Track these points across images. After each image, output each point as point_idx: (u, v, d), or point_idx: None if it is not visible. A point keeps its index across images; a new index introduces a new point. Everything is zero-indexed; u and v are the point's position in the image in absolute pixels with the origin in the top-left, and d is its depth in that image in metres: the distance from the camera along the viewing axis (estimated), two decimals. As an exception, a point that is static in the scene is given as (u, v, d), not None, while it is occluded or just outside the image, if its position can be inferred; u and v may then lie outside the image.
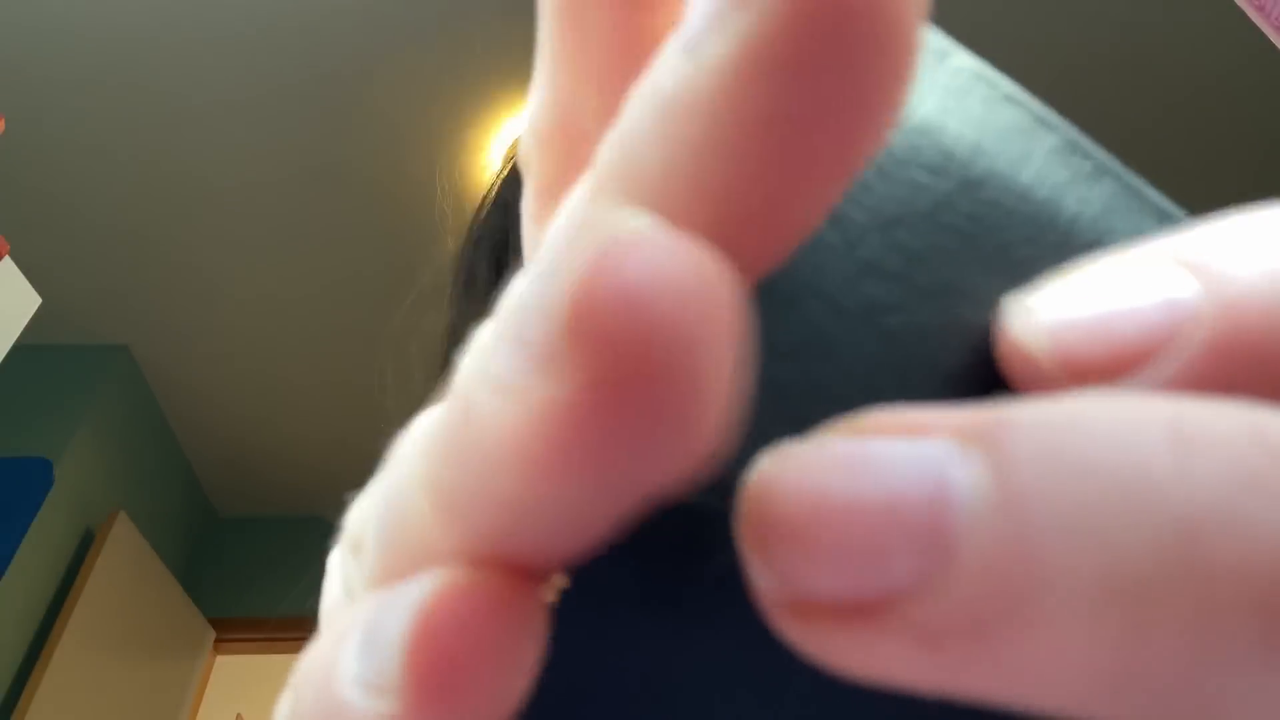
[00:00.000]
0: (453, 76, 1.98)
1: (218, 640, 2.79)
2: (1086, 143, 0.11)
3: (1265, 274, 0.09)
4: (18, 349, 1.26)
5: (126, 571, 2.38)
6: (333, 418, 2.77)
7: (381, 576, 0.10)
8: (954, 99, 0.11)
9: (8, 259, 1.20)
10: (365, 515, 0.12)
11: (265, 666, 3.80)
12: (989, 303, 0.10)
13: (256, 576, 2.95)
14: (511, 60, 1.96)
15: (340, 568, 0.13)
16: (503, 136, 2.07)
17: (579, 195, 0.09)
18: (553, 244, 0.08)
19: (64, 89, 1.98)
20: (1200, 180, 2.29)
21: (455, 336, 0.48)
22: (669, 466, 0.07)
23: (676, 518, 0.09)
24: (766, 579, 0.08)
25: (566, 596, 0.09)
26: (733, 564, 0.09)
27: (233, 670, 3.19)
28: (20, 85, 1.96)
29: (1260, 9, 0.76)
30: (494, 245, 0.48)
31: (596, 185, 0.09)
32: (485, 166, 2.13)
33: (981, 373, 0.10)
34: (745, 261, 0.08)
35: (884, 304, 0.10)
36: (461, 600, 0.08)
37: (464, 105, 2.03)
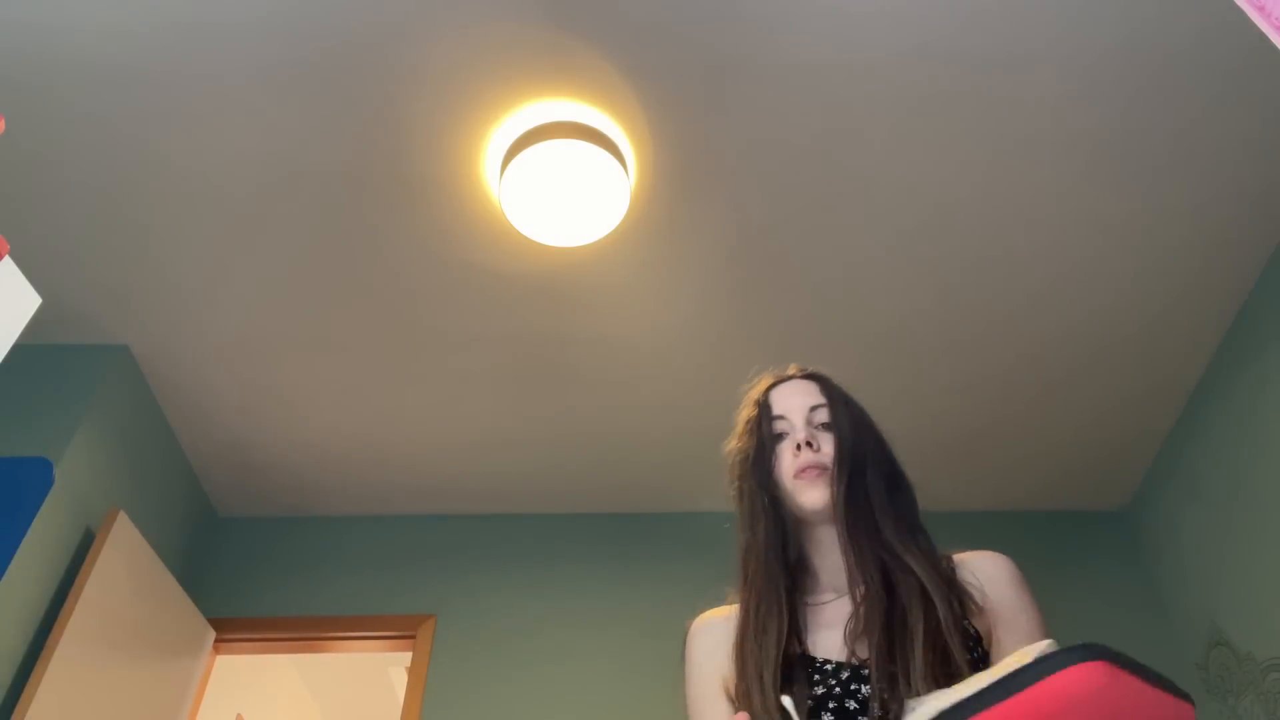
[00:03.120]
0: (455, 78, 1.98)
1: (218, 640, 2.79)
2: None
3: None
4: (18, 349, 1.26)
5: (126, 571, 2.38)
6: (332, 418, 2.77)
7: None
8: None
9: (8, 259, 1.20)
10: None
11: (265, 666, 3.81)
12: None
13: (256, 576, 2.95)
14: (512, 60, 1.96)
15: None
16: (502, 136, 2.07)
17: None
18: None
19: (64, 89, 1.98)
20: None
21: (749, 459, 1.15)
22: None
23: None
24: None
25: None
26: None
27: (233, 670, 3.19)
28: (20, 85, 1.96)
29: (1260, 9, 0.76)
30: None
31: None
32: (484, 169, 2.13)
33: None
34: None
35: None
36: None
37: (466, 105, 2.03)
